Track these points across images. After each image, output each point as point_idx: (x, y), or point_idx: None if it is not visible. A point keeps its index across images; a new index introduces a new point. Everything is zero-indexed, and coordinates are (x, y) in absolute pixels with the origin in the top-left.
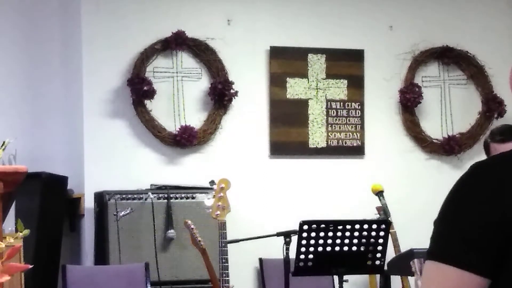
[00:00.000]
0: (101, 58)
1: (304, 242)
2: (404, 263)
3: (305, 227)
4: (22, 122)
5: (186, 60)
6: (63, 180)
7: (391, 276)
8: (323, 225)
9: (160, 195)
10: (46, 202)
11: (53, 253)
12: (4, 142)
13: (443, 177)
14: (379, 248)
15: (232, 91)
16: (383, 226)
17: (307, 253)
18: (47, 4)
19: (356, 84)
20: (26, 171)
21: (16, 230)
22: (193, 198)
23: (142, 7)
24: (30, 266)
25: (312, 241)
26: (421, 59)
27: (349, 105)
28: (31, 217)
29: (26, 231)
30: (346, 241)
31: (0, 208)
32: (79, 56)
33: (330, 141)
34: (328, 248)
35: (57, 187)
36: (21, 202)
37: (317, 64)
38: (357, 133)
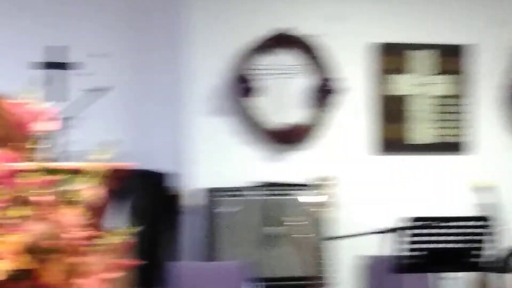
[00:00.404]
0: (205, 55)
1: (414, 238)
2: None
3: (417, 223)
4: (129, 119)
5: (290, 57)
6: (166, 176)
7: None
8: (433, 222)
9: (265, 192)
10: (151, 198)
11: (155, 250)
12: (115, 139)
13: None
14: (483, 245)
15: (336, 87)
16: (487, 223)
17: (415, 250)
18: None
19: (463, 80)
20: (136, 168)
21: (124, 227)
22: (295, 195)
23: (245, 4)
24: (138, 263)
25: (422, 238)
26: None
27: (455, 101)
28: (138, 214)
29: (133, 228)
30: (452, 238)
31: (109, 204)
32: (184, 52)
33: (436, 138)
34: (435, 245)
35: (160, 183)
36: (129, 199)
37: (422, 60)
38: (463, 130)
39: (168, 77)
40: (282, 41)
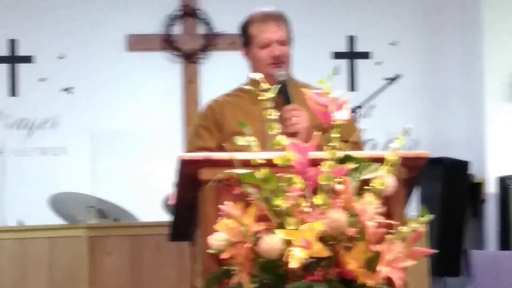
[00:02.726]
0: (502, 41)
1: None
2: None
3: None
4: (424, 108)
5: None
6: (464, 164)
7: None
8: None
9: None
10: (448, 187)
11: (456, 238)
12: (406, 128)
13: None
14: None
15: None
16: None
17: None
18: None
19: None
20: (428, 156)
21: (420, 215)
22: None
23: None
24: (434, 251)
25: None
26: None
27: None
28: (433, 202)
29: (429, 216)
30: None
31: (403, 193)
32: (479, 39)
33: None
34: None
35: (459, 172)
36: (423, 188)
37: None
38: None
39: (461, 64)
40: None
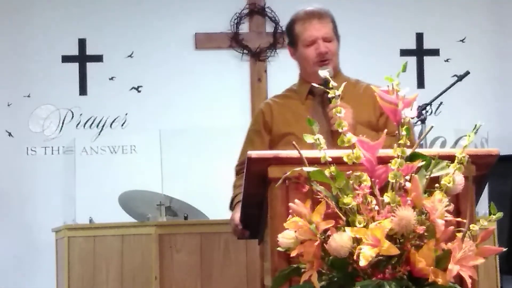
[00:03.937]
0: None
1: None
2: None
3: None
4: (493, 104)
5: None
6: None
7: None
8: None
9: None
10: None
11: None
12: (476, 125)
13: None
14: None
15: None
16: None
17: None
18: None
19: None
20: (498, 154)
21: (490, 213)
22: None
23: None
24: (504, 249)
25: None
26: None
27: None
28: (503, 200)
29: (499, 214)
30: None
31: (473, 191)
32: None
33: None
34: None
35: None
36: (493, 185)
37: None
38: None
39: None
40: None
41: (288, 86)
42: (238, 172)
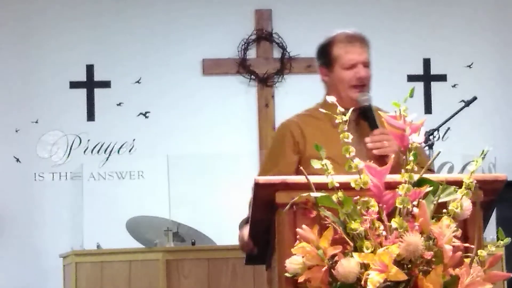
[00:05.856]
0: None
1: None
2: None
3: None
4: (500, 130)
5: None
6: None
7: None
8: None
9: None
10: None
11: None
12: (483, 150)
13: None
14: None
15: None
16: None
17: None
18: None
19: None
20: (506, 179)
21: (497, 239)
22: None
23: None
24: None
25: None
26: None
27: None
28: (511, 225)
29: (507, 240)
30: None
31: (481, 216)
32: None
33: None
34: None
35: None
36: (501, 210)
37: None
38: None
39: None
40: None
41: (309, 107)
42: None
